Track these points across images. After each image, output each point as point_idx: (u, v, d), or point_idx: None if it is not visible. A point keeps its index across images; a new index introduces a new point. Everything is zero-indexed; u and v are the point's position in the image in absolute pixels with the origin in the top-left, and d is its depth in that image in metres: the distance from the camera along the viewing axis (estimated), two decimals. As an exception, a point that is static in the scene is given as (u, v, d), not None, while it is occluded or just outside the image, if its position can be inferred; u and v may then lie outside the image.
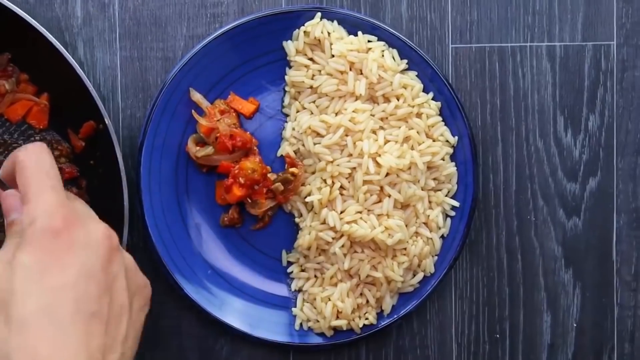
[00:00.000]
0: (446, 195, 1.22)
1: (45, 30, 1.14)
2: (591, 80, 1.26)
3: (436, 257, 1.22)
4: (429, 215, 1.21)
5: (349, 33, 1.21)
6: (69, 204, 0.90)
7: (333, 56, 1.19)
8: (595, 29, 1.26)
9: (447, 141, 1.21)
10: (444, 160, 1.20)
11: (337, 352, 1.27)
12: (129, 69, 1.24)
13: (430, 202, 1.21)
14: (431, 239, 1.22)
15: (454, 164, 1.22)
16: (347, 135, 1.18)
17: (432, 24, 1.25)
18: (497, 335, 1.27)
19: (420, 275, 1.22)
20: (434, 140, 1.21)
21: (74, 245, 0.87)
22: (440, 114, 1.21)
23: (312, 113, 1.21)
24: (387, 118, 1.19)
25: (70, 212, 0.89)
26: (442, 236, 1.22)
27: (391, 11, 1.24)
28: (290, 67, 1.22)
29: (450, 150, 1.21)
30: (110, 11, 1.24)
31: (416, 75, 1.21)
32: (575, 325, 1.27)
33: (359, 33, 1.20)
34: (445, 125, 1.21)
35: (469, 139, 1.21)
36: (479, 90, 1.25)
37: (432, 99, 1.21)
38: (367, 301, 1.22)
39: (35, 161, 0.92)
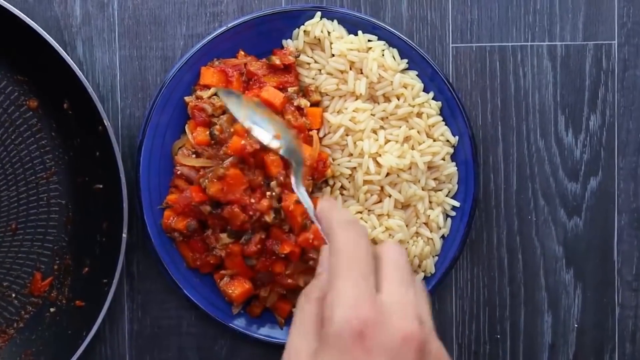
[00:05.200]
0: (447, 195, 1.21)
1: (43, 31, 1.14)
2: (592, 79, 1.26)
3: (437, 257, 1.22)
4: (429, 215, 1.20)
5: (349, 32, 1.20)
6: (375, 298, 0.81)
7: (333, 55, 1.19)
8: (597, 28, 1.26)
9: (448, 141, 1.21)
10: (444, 160, 1.20)
11: (337, 352, 1.26)
12: (128, 68, 1.24)
13: (430, 202, 1.21)
14: (431, 239, 1.21)
15: (454, 163, 1.21)
16: (347, 135, 1.18)
17: (433, 23, 1.25)
18: (498, 336, 1.27)
19: (420, 276, 1.21)
20: (434, 140, 1.20)
21: (372, 351, 0.78)
22: (441, 114, 1.21)
23: (312, 113, 1.21)
24: (387, 118, 1.19)
25: (373, 309, 0.79)
26: (442, 236, 1.22)
27: (391, 10, 1.24)
28: (290, 67, 1.21)
29: (451, 150, 1.21)
30: (109, 10, 1.23)
31: (416, 75, 1.21)
32: (576, 325, 1.27)
33: (359, 32, 1.20)
34: (446, 124, 1.21)
35: (469, 138, 1.20)
36: (479, 90, 1.25)
37: (433, 98, 1.20)
38: (368, 301, 1.21)
39: (353, 246, 0.84)
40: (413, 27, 1.24)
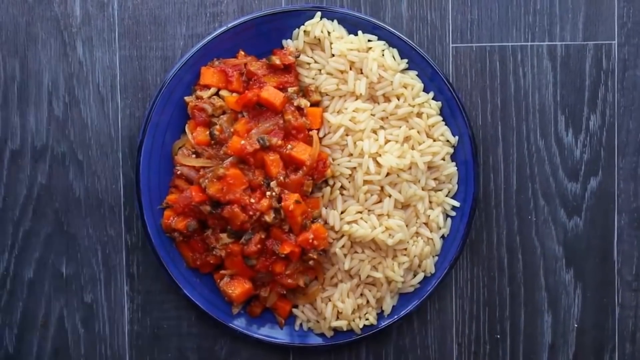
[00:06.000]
0: (447, 195, 1.21)
1: None
2: (592, 79, 1.26)
3: (437, 257, 1.22)
4: (429, 215, 1.20)
5: (349, 32, 1.20)
6: None
7: (333, 55, 1.19)
8: (596, 29, 1.25)
9: (448, 141, 1.21)
10: (444, 160, 1.20)
11: (337, 352, 1.26)
12: (128, 68, 1.24)
13: (430, 202, 1.21)
14: (431, 239, 1.21)
15: (454, 163, 1.21)
16: (347, 135, 1.18)
17: (433, 24, 1.25)
18: (498, 336, 1.27)
19: (420, 276, 1.21)
20: (434, 140, 1.20)
21: None
22: (441, 114, 1.21)
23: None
24: (387, 118, 1.19)
25: None
26: (442, 236, 1.22)
27: (391, 10, 1.24)
28: (290, 67, 1.21)
29: (451, 150, 1.21)
30: (109, 10, 1.23)
31: (416, 75, 1.20)
32: (576, 325, 1.27)
33: (359, 32, 1.19)
34: (446, 124, 1.21)
35: (469, 138, 1.20)
36: (479, 90, 1.25)
37: (433, 98, 1.20)
38: (368, 301, 1.21)
39: None
40: (413, 27, 1.24)
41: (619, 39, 1.26)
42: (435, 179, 1.20)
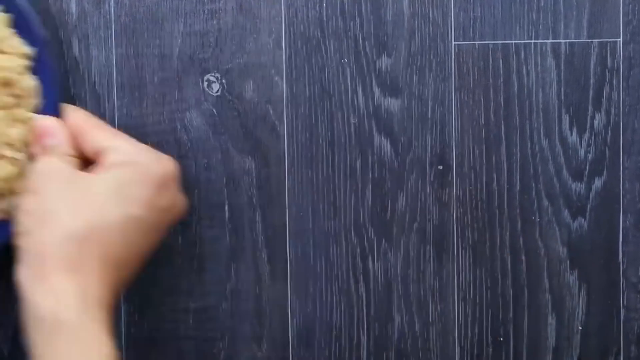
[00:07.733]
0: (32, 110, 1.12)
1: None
2: (597, 78, 1.24)
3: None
4: (12, 135, 1.11)
5: None
6: None
7: None
8: (601, 26, 1.24)
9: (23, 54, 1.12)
10: (21, 74, 1.11)
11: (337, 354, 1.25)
12: (125, 66, 1.23)
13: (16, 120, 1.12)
14: (19, 159, 1.11)
15: (35, 77, 1.12)
16: None
17: (434, 21, 1.23)
18: (501, 338, 1.26)
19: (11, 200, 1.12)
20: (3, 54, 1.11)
21: None
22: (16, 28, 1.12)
23: None
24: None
25: None
26: None
27: (392, 7, 1.23)
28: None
29: (27, 63, 1.11)
30: (105, 7, 1.22)
31: None
32: (580, 328, 1.26)
33: None
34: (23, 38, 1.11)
35: (43, 44, 1.11)
36: (482, 88, 1.24)
37: (4, 12, 1.11)
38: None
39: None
40: (414, 25, 1.23)
41: (624, 36, 1.24)
42: (13, 96, 1.11)
